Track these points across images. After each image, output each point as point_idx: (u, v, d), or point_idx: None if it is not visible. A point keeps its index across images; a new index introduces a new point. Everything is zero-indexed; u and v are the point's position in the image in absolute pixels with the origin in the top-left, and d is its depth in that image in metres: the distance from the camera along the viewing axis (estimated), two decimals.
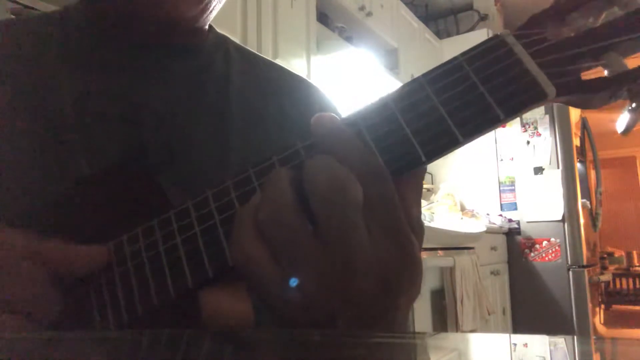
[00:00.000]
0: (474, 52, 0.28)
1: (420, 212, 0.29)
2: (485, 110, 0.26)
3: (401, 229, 0.26)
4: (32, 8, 1.17)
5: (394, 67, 3.00)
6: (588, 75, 0.27)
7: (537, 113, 3.24)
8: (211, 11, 0.49)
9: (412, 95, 0.28)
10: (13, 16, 1.12)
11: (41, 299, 0.31)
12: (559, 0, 0.28)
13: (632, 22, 0.26)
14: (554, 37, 0.27)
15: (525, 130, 3.28)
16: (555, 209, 3.12)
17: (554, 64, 0.27)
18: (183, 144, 0.45)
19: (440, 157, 0.27)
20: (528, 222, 3.22)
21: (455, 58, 0.28)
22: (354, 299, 0.25)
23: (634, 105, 0.27)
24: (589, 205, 3.31)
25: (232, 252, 0.27)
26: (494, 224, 3.15)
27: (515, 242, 3.24)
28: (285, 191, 0.26)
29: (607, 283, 4.74)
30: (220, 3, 0.50)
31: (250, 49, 0.60)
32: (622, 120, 0.28)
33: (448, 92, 0.27)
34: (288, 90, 0.55)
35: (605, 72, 0.27)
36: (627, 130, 0.28)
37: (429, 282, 2.22)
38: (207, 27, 0.53)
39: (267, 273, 0.25)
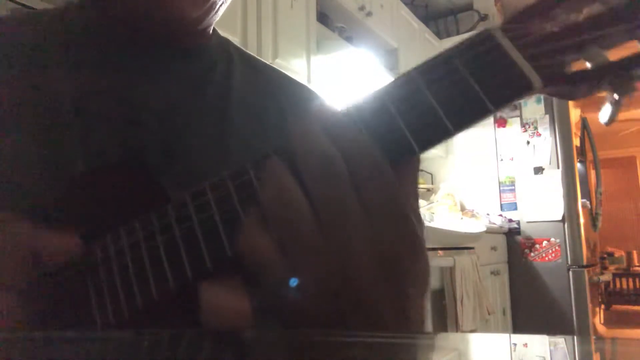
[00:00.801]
0: (463, 46, 0.29)
1: (418, 205, 0.30)
2: (474, 101, 0.27)
3: (400, 209, 0.26)
4: (32, 8, 1.18)
5: (394, 67, 3.00)
6: (575, 67, 0.28)
7: (537, 113, 3.24)
8: (215, 13, 0.49)
9: (403, 87, 0.28)
10: None
11: (23, 272, 0.31)
12: None
13: (612, 16, 0.27)
14: (539, 31, 0.28)
15: (525, 130, 3.28)
16: (555, 209, 3.12)
17: (539, 57, 0.28)
18: (183, 144, 0.45)
19: (433, 147, 0.28)
20: (528, 222, 3.22)
21: (445, 51, 0.29)
22: (354, 280, 0.25)
23: (615, 96, 0.28)
24: (589, 205, 3.31)
25: (237, 243, 0.27)
26: (494, 224, 3.15)
27: (515, 242, 3.24)
28: (286, 174, 0.26)
29: (607, 283, 4.73)
30: (224, 5, 0.50)
31: (251, 53, 0.60)
32: (604, 111, 0.29)
33: (438, 84, 0.28)
34: (288, 94, 0.56)
35: (588, 65, 0.28)
36: (610, 121, 0.29)
37: None
38: (210, 29, 0.53)
39: (271, 261, 0.26)
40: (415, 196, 0.29)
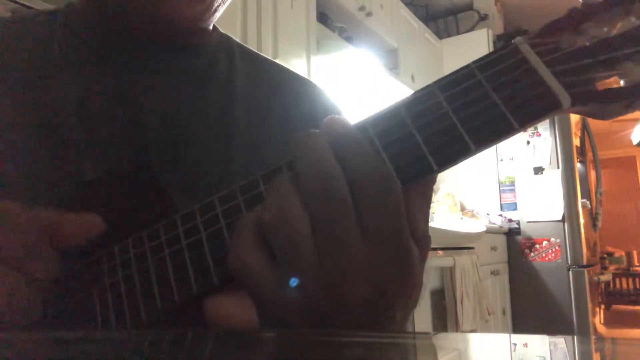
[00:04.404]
0: (487, 60, 0.27)
1: (427, 224, 0.28)
2: (499, 119, 0.26)
3: (402, 239, 0.25)
4: (32, 8, 1.17)
5: (394, 67, 3.00)
6: (605, 85, 0.27)
7: None
8: (214, 11, 0.49)
9: (423, 102, 0.27)
10: None
11: (34, 252, 0.30)
12: (573, 9, 0.28)
13: None
14: (568, 46, 0.27)
15: (526, 130, 3.28)
16: (555, 209, 3.12)
17: (568, 73, 0.26)
18: (186, 143, 0.45)
19: (452, 166, 0.26)
20: (528, 222, 3.22)
21: (467, 65, 0.28)
22: (345, 303, 0.25)
23: None
24: (589, 205, 3.31)
25: (229, 258, 0.26)
26: (494, 224, 3.15)
27: (515, 242, 3.24)
28: (291, 192, 0.25)
29: (607, 283, 4.74)
30: (224, 4, 0.50)
31: (254, 50, 0.60)
32: (637, 131, 0.27)
33: (460, 99, 0.26)
34: (291, 90, 0.55)
35: (622, 82, 0.26)
36: None
37: (429, 282, 2.22)
38: (211, 27, 0.53)
39: (263, 278, 0.25)
40: (426, 214, 0.28)
